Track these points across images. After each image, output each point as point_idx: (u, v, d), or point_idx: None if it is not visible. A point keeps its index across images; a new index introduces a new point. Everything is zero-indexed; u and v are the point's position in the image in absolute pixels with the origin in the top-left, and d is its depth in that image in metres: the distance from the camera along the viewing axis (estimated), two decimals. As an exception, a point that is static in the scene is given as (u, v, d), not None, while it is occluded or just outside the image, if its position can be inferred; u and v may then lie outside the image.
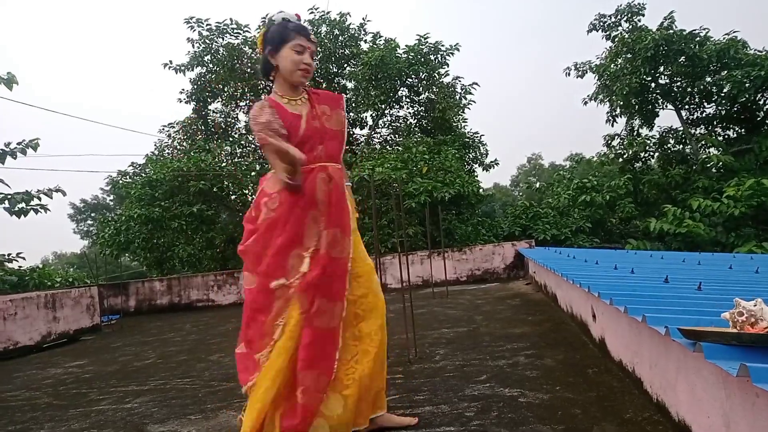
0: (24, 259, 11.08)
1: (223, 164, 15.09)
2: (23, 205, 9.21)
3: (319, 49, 17.03)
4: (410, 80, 16.19)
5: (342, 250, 2.31)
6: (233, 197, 15.60)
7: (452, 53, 15.89)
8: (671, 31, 15.16)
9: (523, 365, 3.46)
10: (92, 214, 36.43)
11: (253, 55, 16.72)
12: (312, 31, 2.43)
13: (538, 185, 21.52)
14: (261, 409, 2.14)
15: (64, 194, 9.74)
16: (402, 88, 16.56)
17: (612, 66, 16.59)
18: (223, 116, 18.72)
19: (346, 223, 2.35)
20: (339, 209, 2.34)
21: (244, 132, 18.61)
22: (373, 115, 17.06)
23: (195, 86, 17.50)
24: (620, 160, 17.05)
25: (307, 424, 2.13)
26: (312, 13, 16.93)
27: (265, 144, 2.20)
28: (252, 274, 2.33)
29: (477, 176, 15.38)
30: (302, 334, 2.20)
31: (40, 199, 9.41)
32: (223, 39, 16.65)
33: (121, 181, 15.74)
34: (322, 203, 2.30)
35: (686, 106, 16.54)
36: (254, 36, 16.88)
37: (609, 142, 18.08)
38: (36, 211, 9.37)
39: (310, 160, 2.31)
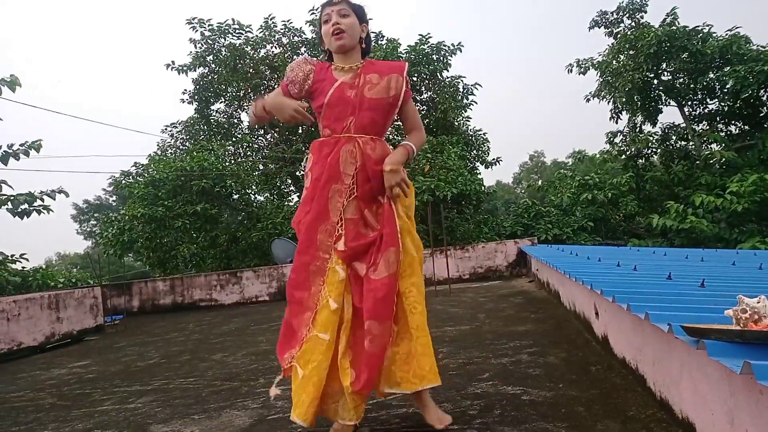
0: (27, 260, 11.15)
1: (226, 164, 15.12)
2: (26, 206, 9.24)
3: (321, 48, 17.03)
4: (412, 80, 16.17)
5: (377, 217, 2.31)
6: (236, 196, 15.63)
7: (454, 53, 15.87)
8: (674, 28, 15.11)
9: (526, 363, 3.45)
10: (95, 215, 36.49)
11: (254, 55, 16.72)
12: None
13: (540, 183, 21.48)
14: (318, 382, 2.17)
15: (67, 195, 9.77)
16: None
17: (614, 63, 16.54)
18: (226, 116, 18.75)
19: (379, 191, 2.30)
20: (377, 179, 2.28)
21: (246, 132, 18.63)
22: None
23: (197, 86, 17.52)
24: (623, 157, 16.99)
25: (378, 372, 2.20)
26: (313, 13, 16.92)
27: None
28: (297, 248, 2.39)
29: (479, 174, 15.38)
30: (363, 290, 2.24)
31: (43, 200, 9.44)
32: (225, 39, 16.65)
33: (123, 181, 15.78)
34: (346, 176, 2.26)
35: (689, 103, 16.48)
36: (256, 36, 16.89)
37: (611, 139, 18.03)
38: (39, 212, 9.40)
39: (337, 130, 2.30)
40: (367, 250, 2.26)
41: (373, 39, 16.80)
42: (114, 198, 34.17)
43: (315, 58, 2.44)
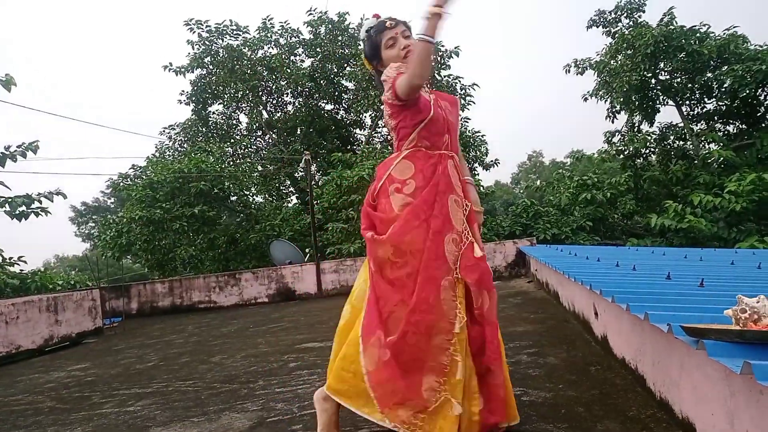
0: (25, 262, 11.11)
1: (224, 165, 15.12)
2: (24, 208, 9.22)
3: (318, 49, 17.07)
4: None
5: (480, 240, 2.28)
6: (234, 198, 15.62)
7: (451, 56, 15.93)
8: (671, 27, 15.12)
9: (525, 363, 3.45)
10: (93, 217, 36.45)
11: (252, 56, 16.73)
12: (389, 16, 2.33)
13: (538, 183, 21.49)
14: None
15: (65, 197, 9.75)
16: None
17: (612, 62, 16.55)
18: (224, 118, 18.75)
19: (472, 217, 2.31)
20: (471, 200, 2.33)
21: (245, 133, 18.64)
22: (373, 115, 17.07)
23: (195, 88, 17.52)
24: (621, 156, 16.99)
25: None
26: (311, 14, 16.94)
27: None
28: (396, 270, 2.10)
29: (478, 175, 15.38)
30: (484, 331, 2.12)
31: (40, 202, 9.42)
32: (222, 40, 16.66)
33: (122, 184, 15.77)
34: (458, 187, 2.25)
35: (687, 102, 16.50)
36: (254, 37, 16.90)
37: (609, 138, 18.04)
38: (37, 214, 9.38)
39: (439, 144, 2.24)
40: (486, 271, 2.21)
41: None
42: (112, 200, 34.12)
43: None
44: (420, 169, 2.18)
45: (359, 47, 16.87)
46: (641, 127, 17.42)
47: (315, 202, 12.55)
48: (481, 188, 14.09)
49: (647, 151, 17.15)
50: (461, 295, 2.07)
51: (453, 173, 2.24)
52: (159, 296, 11.15)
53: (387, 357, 2.00)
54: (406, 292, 2.04)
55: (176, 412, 3.24)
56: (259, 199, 17.43)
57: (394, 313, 2.04)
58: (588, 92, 17.95)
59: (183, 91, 17.85)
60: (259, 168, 17.66)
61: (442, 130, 2.25)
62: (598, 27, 17.53)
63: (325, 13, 16.98)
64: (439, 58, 15.87)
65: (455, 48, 15.93)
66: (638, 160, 17.03)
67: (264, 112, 18.10)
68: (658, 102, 16.64)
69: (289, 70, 16.79)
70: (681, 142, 16.86)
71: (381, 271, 2.12)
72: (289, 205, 17.14)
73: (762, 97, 14.94)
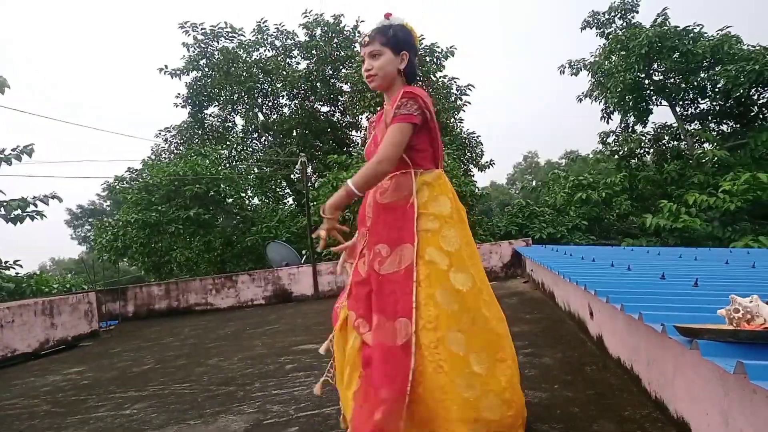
0: (21, 266, 11.05)
1: (220, 168, 15.10)
2: (19, 211, 9.18)
3: (314, 51, 17.07)
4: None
5: (393, 264, 2.10)
6: (230, 201, 15.60)
7: (447, 56, 15.93)
8: (665, 28, 15.18)
9: (521, 364, 3.43)
10: (89, 220, 36.35)
11: (247, 58, 16.72)
12: (375, 28, 2.27)
13: (534, 183, 21.54)
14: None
15: (60, 201, 9.71)
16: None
17: (606, 63, 16.61)
18: (219, 120, 18.73)
19: (395, 234, 2.14)
20: (385, 221, 2.19)
21: (240, 135, 18.62)
22: (369, 117, 17.07)
23: (191, 90, 17.50)
24: (616, 157, 17.06)
25: None
26: (306, 16, 16.94)
27: None
28: None
29: (473, 176, 15.41)
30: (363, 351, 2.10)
31: (36, 205, 9.38)
32: (218, 43, 16.65)
33: (117, 186, 15.73)
34: (367, 217, 2.26)
35: (680, 102, 16.57)
36: (249, 39, 16.89)
37: (604, 139, 18.10)
38: (32, 218, 9.34)
39: None
40: (360, 295, 2.18)
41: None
42: (108, 203, 34.03)
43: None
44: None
45: (354, 49, 16.90)
46: (635, 127, 17.48)
47: (311, 204, 12.54)
48: (476, 189, 14.10)
49: (642, 151, 17.22)
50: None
51: (368, 199, 2.29)
52: (155, 299, 11.12)
53: None
54: None
55: (172, 414, 3.24)
56: (255, 201, 17.42)
57: None
58: (582, 93, 18.02)
59: (179, 93, 17.85)
60: (255, 170, 17.65)
61: (369, 160, 2.27)
62: (592, 28, 17.60)
63: (321, 15, 17.00)
64: (435, 60, 15.89)
65: (450, 48, 15.94)
66: (633, 161, 17.09)
67: (260, 115, 18.08)
68: (652, 102, 16.70)
69: (284, 72, 16.79)
70: (675, 142, 16.93)
71: None
72: (286, 207, 17.13)
73: (755, 97, 15.03)
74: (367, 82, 2.28)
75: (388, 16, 2.30)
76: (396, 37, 2.24)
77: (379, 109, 2.40)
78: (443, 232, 2.13)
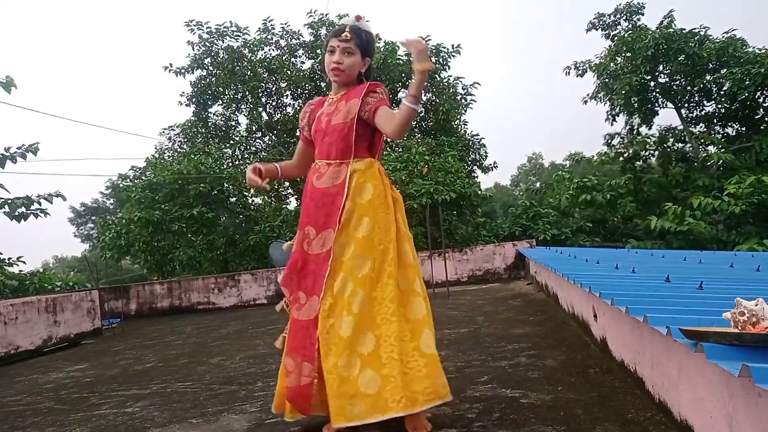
0: (24, 263, 11.09)
1: (224, 167, 15.11)
2: (23, 209, 9.21)
3: (319, 51, 17.06)
4: (411, 82, 16.20)
5: (317, 246, 2.36)
6: (233, 200, 15.62)
7: (453, 55, 15.91)
8: (671, 30, 15.17)
9: (524, 366, 3.45)
10: (93, 218, 36.46)
11: (252, 57, 16.73)
12: (351, 26, 2.38)
13: (538, 185, 21.52)
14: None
15: (64, 199, 9.74)
16: (402, 90, 16.58)
17: (612, 65, 16.60)
18: (223, 119, 18.75)
19: (323, 219, 2.36)
20: (316, 205, 2.38)
21: (244, 135, 18.64)
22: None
23: (195, 89, 17.52)
24: (620, 159, 17.04)
25: (299, 404, 2.35)
26: (311, 16, 16.94)
27: None
28: None
29: (477, 177, 15.41)
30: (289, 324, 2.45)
31: (40, 203, 9.41)
32: (223, 41, 16.67)
33: (121, 185, 15.77)
34: (304, 200, 2.46)
35: (686, 105, 16.54)
36: (254, 38, 16.91)
37: (609, 141, 18.08)
38: (36, 216, 9.37)
39: (315, 160, 2.49)
40: (293, 272, 2.47)
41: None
42: (111, 201, 34.13)
43: (318, 98, 2.56)
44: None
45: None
46: (641, 129, 17.46)
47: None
48: (480, 190, 14.09)
49: (647, 153, 17.19)
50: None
51: (307, 186, 2.48)
52: (158, 297, 11.14)
53: None
54: None
55: (175, 413, 3.24)
56: (258, 200, 17.43)
57: None
58: (588, 95, 17.99)
59: (183, 92, 17.88)
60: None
61: (317, 145, 2.48)
62: (597, 30, 17.58)
63: (326, 15, 17.00)
64: (441, 60, 15.88)
65: (456, 47, 15.91)
66: (638, 163, 17.07)
67: (264, 114, 18.10)
68: (657, 104, 16.69)
69: (289, 72, 16.80)
70: (680, 145, 16.89)
71: None
72: (289, 207, 17.14)
73: (761, 100, 14.99)
74: (331, 73, 2.39)
75: (358, 18, 2.41)
76: (368, 43, 2.42)
77: (330, 95, 2.54)
78: (356, 220, 2.33)
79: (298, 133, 16.68)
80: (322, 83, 17.34)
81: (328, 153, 2.41)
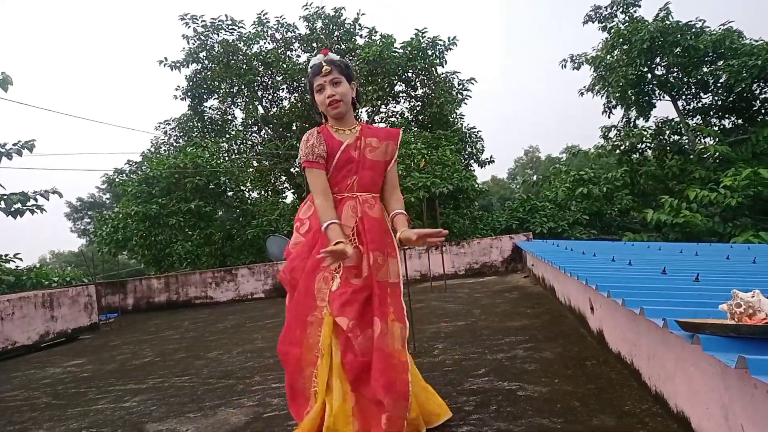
0: (21, 259, 11.08)
1: (220, 161, 15.08)
2: (19, 205, 9.19)
3: (315, 44, 17.00)
4: (407, 75, 16.16)
5: (386, 272, 2.30)
6: (230, 193, 15.58)
7: (450, 48, 15.86)
8: (667, 23, 15.13)
9: (521, 358, 3.46)
10: (89, 213, 36.35)
11: (247, 51, 16.67)
12: (326, 59, 2.39)
13: (535, 178, 21.53)
14: None
15: (61, 196, 9.74)
16: (399, 84, 16.54)
17: (608, 57, 16.56)
18: (219, 113, 18.69)
19: (388, 249, 2.36)
20: (378, 233, 2.34)
21: (240, 128, 18.59)
22: (369, 110, 17.04)
23: (190, 83, 17.44)
24: (617, 151, 17.02)
25: None
26: (306, 9, 16.88)
27: (307, 168, 2.35)
28: (288, 300, 2.43)
29: (474, 171, 15.41)
30: (369, 360, 2.16)
31: (36, 200, 9.39)
32: (218, 35, 16.59)
33: (117, 179, 15.72)
34: (347, 228, 2.30)
35: (682, 97, 16.53)
36: (249, 32, 16.84)
37: (606, 133, 18.05)
38: (32, 212, 9.35)
39: (342, 188, 2.38)
40: (357, 301, 2.23)
41: (366, 34, 16.92)
42: (108, 196, 34.03)
43: (318, 127, 2.48)
44: (316, 212, 2.35)
45: (355, 42, 16.85)
46: (637, 122, 17.44)
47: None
48: (477, 184, 14.09)
49: (643, 146, 17.18)
50: (327, 331, 2.21)
51: (348, 213, 2.35)
52: (155, 292, 11.13)
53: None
54: (288, 318, 2.36)
55: (172, 407, 3.24)
56: (255, 194, 17.41)
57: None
58: (584, 87, 17.97)
59: (178, 86, 17.80)
60: (255, 163, 17.62)
61: (349, 174, 2.39)
62: (594, 22, 17.54)
63: (322, 8, 16.95)
64: (437, 53, 15.83)
65: (453, 39, 15.85)
66: (634, 155, 17.06)
67: (260, 107, 18.05)
68: (654, 97, 16.67)
69: (284, 65, 16.74)
70: (677, 137, 16.89)
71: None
72: (286, 201, 17.12)
73: (757, 92, 14.98)
74: (329, 108, 2.38)
75: (326, 52, 2.43)
76: (348, 69, 2.43)
77: (331, 126, 2.48)
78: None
79: (295, 126, 16.53)
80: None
81: (371, 186, 2.41)
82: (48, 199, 9.49)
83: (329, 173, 2.38)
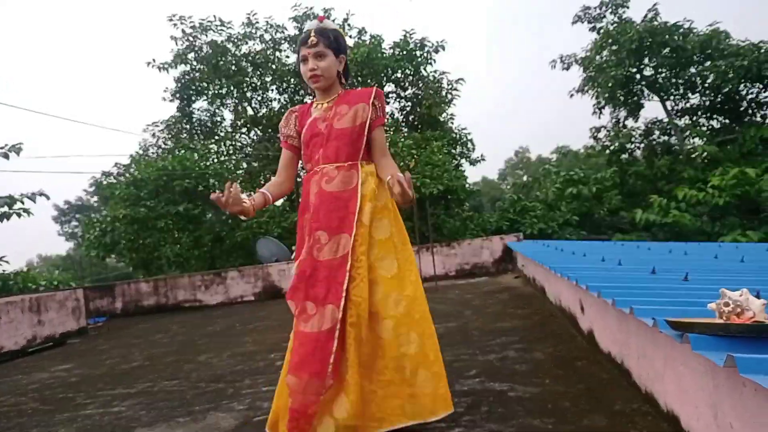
0: (8, 263, 10.95)
1: (209, 162, 14.99)
2: (6, 209, 9.10)
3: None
4: (396, 76, 16.17)
5: (330, 251, 2.23)
6: (220, 196, 15.48)
7: (437, 50, 15.90)
8: (655, 23, 15.27)
9: (512, 359, 3.46)
10: (77, 216, 36.05)
11: (236, 52, 16.60)
12: (316, 29, 2.34)
13: (525, 179, 21.61)
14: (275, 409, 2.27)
15: (48, 198, 9.65)
16: (388, 84, 16.54)
17: (597, 58, 16.67)
18: (208, 114, 18.59)
19: (336, 223, 2.25)
20: (327, 209, 2.27)
21: (229, 130, 18.51)
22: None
23: (179, 84, 17.35)
24: (606, 152, 17.14)
25: (299, 428, 2.08)
26: (295, 9, 16.84)
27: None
28: None
29: (464, 171, 15.43)
30: (293, 338, 2.23)
31: (23, 202, 9.30)
32: (206, 36, 16.50)
33: (105, 182, 15.59)
34: (312, 205, 2.32)
35: (671, 97, 16.67)
36: (238, 33, 16.78)
37: (595, 134, 18.18)
38: (19, 215, 9.26)
39: (312, 164, 2.38)
40: (314, 286, 2.23)
41: (355, 36, 16.91)
42: (95, 199, 33.79)
43: (299, 105, 2.50)
44: (303, 192, 2.40)
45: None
46: (626, 122, 17.57)
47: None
48: (467, 184, 14.12)
49: (632, 146, 17.32)
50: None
51: (313, 190, 2.34)
52: (144, 295, 11.05)
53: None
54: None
55: (161, 412, 3.21)
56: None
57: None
58: (574, 88, 18.07)
59: (167, 87, 17.70)
60: (244, 165, 17.55)
61: (315, 149, 2.38)
62: (583, 23, 17.65)
63: (311, 8, 16.91)
64: (425, 54, 15.86)
65: (441, 41, 15.90)
66: (623, 156, 17.19)
67: (249, 109, 17.98)
68: (642, 97, 16.80)
69: (274, 66, 16.69)
70: (666, 137, 17.03)
71: None
72: (276, 203, 17.06)
73: (744, 93, 15.14)
74: (310, 81, 2.36)
75: (321, 19, 2.40)
76: (337, 41, 2.38)
77: (312, 100, 2.49)
78: (376, 222, 2.32)
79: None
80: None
81: (336, 156, 2.32)
82: (35, 202, 9.40)
83: (302, 150, 2.43)
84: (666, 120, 16.73)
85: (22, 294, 9.47)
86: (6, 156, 9.08)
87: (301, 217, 2.40)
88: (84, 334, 8.25)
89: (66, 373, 5.13)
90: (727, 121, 16.20)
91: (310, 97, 2.57)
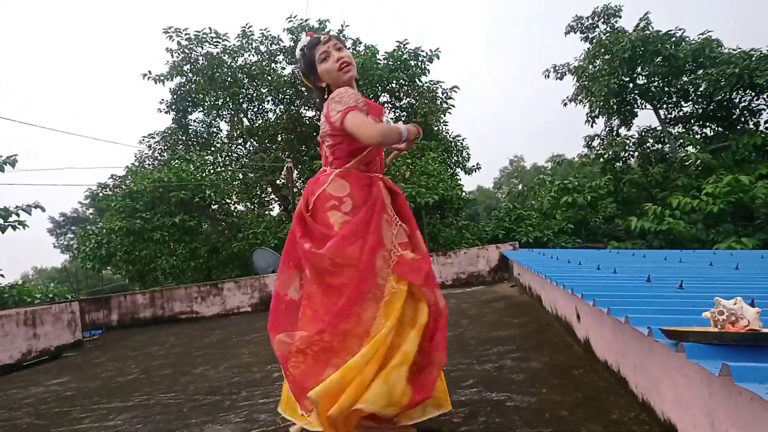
0: (3, 276, 10.91)
1: (205, 174, 15.00)
2: (1, 221, 9.07)
3: (314, 85, 17.01)
4: (391, 86, 16.25)
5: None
6: (215, 207, 15.49)
7: (432, 59, 15.99)
8: (647, 32, 15.38)
9: (509, 368, 3.46)
10: (72, 228, 35.93)
11: (232, 63, 16.66)
12: (325, 34, 2.42)
13: (520, 187, 21.67)
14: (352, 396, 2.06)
15: (43, 210, 9.64)
16: (383, 94, 16.61)
17: (590, 67, 16.78)
18: (204, 126, 18.63)
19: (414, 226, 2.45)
20: (406, 214, 2.44)
21: (225, 141, 18.53)
22: (354, 121, 17.03)
23: (175, 96, 17.38)
24: (601, 160, 17.21)
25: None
26: (291, 21, 16.93)
27: (354, 111, 2.20)
28: (337, 279, 2.27)
29: (460, 180, 15.48)
30: (431, 320, 2.27)
31: (18, 215, 9.28)
32: (202, 48, 16.57)
33: (101, 194, 15.58)
34: (389, 207, 2.37)
35: (664, 106, 16.77)
36: (233, 44, 16.85)
37: (589, 143, 18.26)
38: (14, 228, 9.23)
39: (372, 167, 2.42)
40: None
41: (350, 47, 17.00)
42: (91, 211, 33.68)
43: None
44: (355, 189, 2.33)
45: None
46: (620, 131, 17.67)
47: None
48: (463, 193, 14.15)
49: (626, 154, 17.40)
50: (399, 304, 2.22)
51: (385, 194, 2.38)
52: (140, 307, 11.00)
53: (294, 349, 2.30)
54: (333, 297, 2.25)
55: (158, 425, 3.19)
56: (240, 207, 17.33)
57: (317, 313, 2.28)
58: (567, 97, 18.16)
59: (163, 99, 17.74)
60: (241, 176, 17.56)
61: (375, 153, 2.41)
62: (576, 33, 17.78)
63: (306, 20, 16.99)
64: (420, 63, 15.95)
65: (435, 51, 15.99)
66: (618, 164, 17.26)
67: (245, 120, 18.02)
68: (636, 106, 16.90)
69: (269, 78, 16.75)
70: (659, 146, 17.12)
71: (318, 277, 2.30)
72: (272, 213, 17.06)
73: (736, 100, 15.24)
74: (341, 72, 2.34)
75: (310, 35, 2.45)
76: (344, 42, 2.43)
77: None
78: None
79: (280, 138, 16.47)
80: (303, 88, 17.32)
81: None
82: (30, 214, 9.39)
83: (365, 152, 2.39)
84: (659, 128, 16.83)
85: (17, 307, 9.42)
86: (1, 168, 9.07)
87: (376, 212, 2.31)
88: (80, 347, 8.19)
89: (61, 386, 5.09)
90: (720, 128, 16.31)
91: (310, 110, 2.59)
